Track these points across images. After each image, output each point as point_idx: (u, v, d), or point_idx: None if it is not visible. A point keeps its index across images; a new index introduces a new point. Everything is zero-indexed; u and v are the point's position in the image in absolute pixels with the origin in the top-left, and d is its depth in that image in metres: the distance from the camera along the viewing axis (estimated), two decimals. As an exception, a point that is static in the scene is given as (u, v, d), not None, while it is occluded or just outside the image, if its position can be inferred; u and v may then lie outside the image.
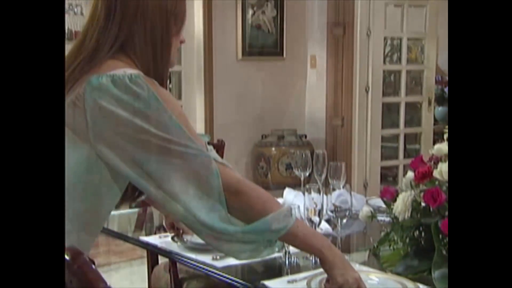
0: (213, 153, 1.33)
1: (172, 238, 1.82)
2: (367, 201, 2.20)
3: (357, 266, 1.56)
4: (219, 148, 2.81)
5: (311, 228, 1.60)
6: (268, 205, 1.33)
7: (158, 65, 1.38)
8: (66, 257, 1.04)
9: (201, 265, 1.63)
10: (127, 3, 1.35)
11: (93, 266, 1.06)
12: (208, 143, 1.39)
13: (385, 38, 4.77)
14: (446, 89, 5.85)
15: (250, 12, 4.58)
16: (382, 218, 1.82)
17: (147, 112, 1.25)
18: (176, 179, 1.26)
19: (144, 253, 2.55)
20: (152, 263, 2.38)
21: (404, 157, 4.83)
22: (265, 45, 4.69)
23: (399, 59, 4.94)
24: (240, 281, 1.53)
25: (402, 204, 1.53)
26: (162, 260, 2.35)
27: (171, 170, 1.26)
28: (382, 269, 1.56)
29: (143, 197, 1.52)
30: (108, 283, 1.04)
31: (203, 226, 1.27)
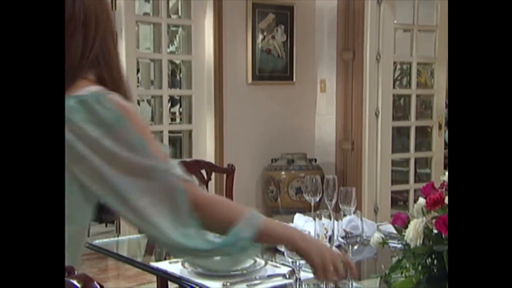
0: (177, 169, 1.34)
1: (182, 263, 1.81)
2: (378, 227, 2.18)
3: (368, 294, 1.54)
4: (229, 172, 2.81)
5: (280, 222, 1.59)
6: (231, 214, 1.34)
7: (120, 71, 1.39)
8: (78, 284, 1.04)
9: (211, 292, 1.62)
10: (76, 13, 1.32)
11: (104, 293, 1.06)
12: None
13: (394, 63, 4.79)
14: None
15: (260, 37, 4.62)
16: (394, 244, 1.80)
17: (113, 132, 1.25)
18: (145, 199, 1.26)
19: (154, 278, 2.54)
20: (162, 289, 2.37)
21: (415, 181, 4.81)
22: (275, 69, 4.71)
23: (409, 83, 4.95)
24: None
25: (413, 231, 1.52)
26: (171, 286, 2.34)
27: (139, 190, 1.26)
28: (394, 296, 1.54)
29: None
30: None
31: (176, 246, 1.28)
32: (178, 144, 4.75)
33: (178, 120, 5.73)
